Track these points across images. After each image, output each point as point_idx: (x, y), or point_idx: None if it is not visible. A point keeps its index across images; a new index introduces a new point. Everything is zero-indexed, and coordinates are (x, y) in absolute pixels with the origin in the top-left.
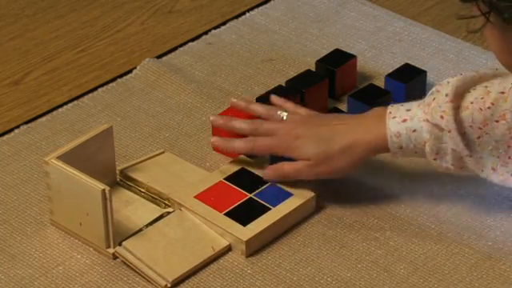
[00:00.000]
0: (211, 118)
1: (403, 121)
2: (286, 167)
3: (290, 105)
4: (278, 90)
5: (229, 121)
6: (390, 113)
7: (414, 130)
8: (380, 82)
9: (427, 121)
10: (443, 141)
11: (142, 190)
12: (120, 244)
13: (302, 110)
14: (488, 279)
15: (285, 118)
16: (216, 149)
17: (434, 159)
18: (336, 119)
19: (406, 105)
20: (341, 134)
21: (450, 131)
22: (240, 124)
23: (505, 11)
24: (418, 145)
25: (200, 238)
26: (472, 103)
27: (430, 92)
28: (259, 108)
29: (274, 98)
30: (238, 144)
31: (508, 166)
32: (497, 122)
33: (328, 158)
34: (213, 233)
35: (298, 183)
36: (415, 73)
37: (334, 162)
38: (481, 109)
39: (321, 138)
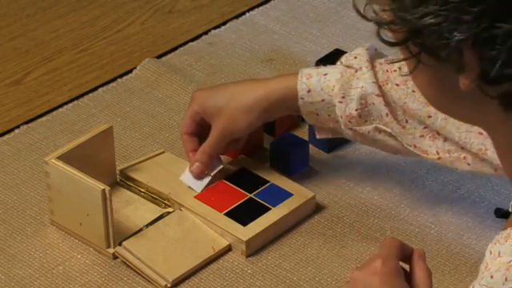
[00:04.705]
0: None
1: (317, 67)
2: None
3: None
4: None
5: None
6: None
7: (326, 74)
8: None
9: (340, 64)
10: (352, 85)
11: (142, 190)
12: (120, 244)
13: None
14: None
15: None
16: None
17: (340, 102)
18: None
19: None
20: None
21: (361, 68)
22: None
23: (440, 50)
24: (325, 88)
25: (200, 237)
26: (381, 64)
27: None
28: None
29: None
30: None
31: (404, 130)
32: (397, 85)
33: None
34: (213, 233)
35: (298, 183)
36: None
37: None
38: (387, 70)
39: None
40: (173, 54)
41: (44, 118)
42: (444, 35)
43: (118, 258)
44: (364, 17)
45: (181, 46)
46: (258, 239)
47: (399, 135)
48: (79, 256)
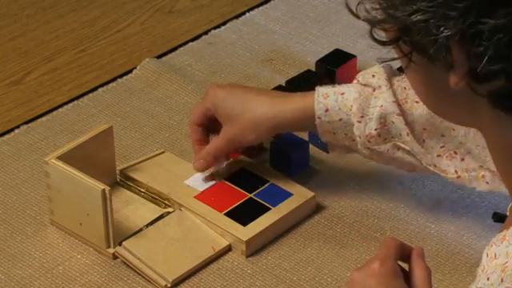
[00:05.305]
0: None
1: (332, 87)
2: None
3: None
4: (278, 90)
5: None
6: (320, 85)
7: (343, 93)
8: None
9: (357, 82)
10: (371, 104)
11: (142, 190)
12: (120, 244)
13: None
14: None
15: None
16: None
17: (359, 122)
18: None
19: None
20: None
21: (380, 87)
22: None
23: (429, 47)
24: (343, 108)
25: (200, 237)
26: (399, 81)
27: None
28: None
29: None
30: None
31: (423, 148)
32: (417, 102)
33: None
34: (213, 233)
35: (298, 183)
36: None
37: None
38: (405, 88)
39: None
40: (173, 54)
41: (44, 118)
42: (432, 31)
43: (118, 258)
44: (356, 16)
45: (181, 45)
46: (258, 239)
47: (419, 154)
48: (79, 256)
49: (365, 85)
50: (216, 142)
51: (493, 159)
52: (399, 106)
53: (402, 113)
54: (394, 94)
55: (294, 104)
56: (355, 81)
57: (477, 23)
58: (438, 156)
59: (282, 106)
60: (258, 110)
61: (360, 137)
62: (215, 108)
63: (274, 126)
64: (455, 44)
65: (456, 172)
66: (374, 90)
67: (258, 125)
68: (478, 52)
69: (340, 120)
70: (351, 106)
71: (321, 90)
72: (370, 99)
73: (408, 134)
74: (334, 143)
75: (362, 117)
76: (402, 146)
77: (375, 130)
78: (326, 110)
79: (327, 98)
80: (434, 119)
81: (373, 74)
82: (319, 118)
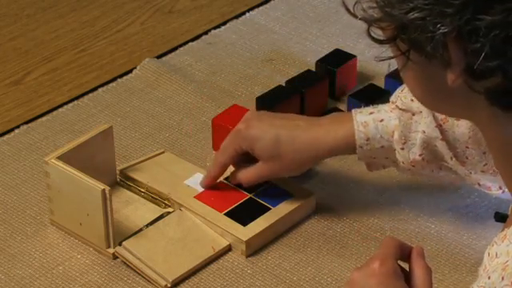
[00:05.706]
0: None
1: (370, 113)
2: None
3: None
4: (278, 90)
5: None
6: (355, 110)
7: (382, 120)
8: (380, 82)
9: (396, 108)
10: (412, 129)
11: (142, 189)
12: (120, 244)
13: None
14: None
15: None
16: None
17: (402, 148)
18: None
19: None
20: None
21: (421, 112)
22: None
23: (426, 45)
24: (385, 135)
25: (200, 237)
26: None
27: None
28: None
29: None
30: None
31: (464, 166)
32: (457, 120)
33: None
34: (213, 233)
35: (298, 183)
36: None
37: None
38: None
39: None
40: (173, 53)
41: (44, 118)
42: (429, 29)
43: (118, 258)
44: (353, 15)
45: (181, 45)
46: (258, 239)
47: (464, 175)
48: (79, 256)
49: (404, 109)
50: (250, 175)
51: (492, 156)
52: (441, 129)
53: (444, 134)
54: (435, 118)
55: (333, 135)
56: (392, 105)
57: (473, 20)
58: (482, 172)
59: (322, 139)
60: (298, 149)
61: (404, 162)
62: (251, 148)
63: (315, 159)
64: (452, 41)
65: (500, 188)
66: (414, 115)
67: (300, 162)
68: (475, 49)
69: (382, 147)
70: (392, 132)
71: (359, 119)
72: (411, 124)
73: (452, 158)
74: (372, 163)
75: (404, 143)
76: (445, 164)
77: (419, 155)
78: (367, 139)
79: (367, 127)
80: (476, 136)
81: (412, 98)
82: (360, 147)
